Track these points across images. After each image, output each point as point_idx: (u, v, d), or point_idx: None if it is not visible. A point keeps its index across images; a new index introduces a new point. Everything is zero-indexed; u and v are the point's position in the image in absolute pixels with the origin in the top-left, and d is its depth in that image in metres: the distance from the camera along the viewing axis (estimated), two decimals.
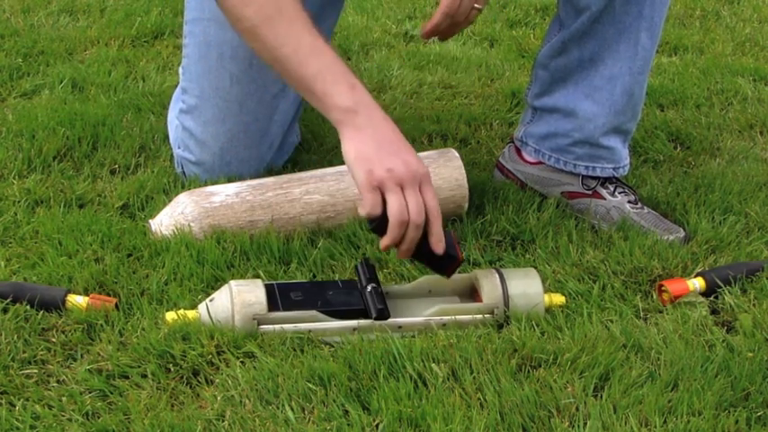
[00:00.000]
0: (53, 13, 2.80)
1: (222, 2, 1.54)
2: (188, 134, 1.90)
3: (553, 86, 1.86)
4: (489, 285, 1.51)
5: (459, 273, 1.56)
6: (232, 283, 1.48)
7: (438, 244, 1.46)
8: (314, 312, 1.47)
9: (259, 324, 1.45)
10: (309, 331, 1.46)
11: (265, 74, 1.82)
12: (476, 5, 1.80)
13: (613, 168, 1.88)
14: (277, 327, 1.45)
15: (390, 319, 1.47)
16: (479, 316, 1.50)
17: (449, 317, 1.49)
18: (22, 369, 1.38)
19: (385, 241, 1.45)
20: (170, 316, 1.47)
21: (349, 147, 1.47)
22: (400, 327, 1.48)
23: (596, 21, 1.77)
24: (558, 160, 1.89)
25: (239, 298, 1.45)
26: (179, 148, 1.92)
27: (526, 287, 1.52)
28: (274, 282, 1.53)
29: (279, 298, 1.48)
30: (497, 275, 1.52)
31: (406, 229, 1.44)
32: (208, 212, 1.69)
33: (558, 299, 1.55)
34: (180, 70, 1.99)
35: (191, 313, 1.47)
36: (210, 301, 1.48)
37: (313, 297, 1.49)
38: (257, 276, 1.59)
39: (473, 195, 1.81)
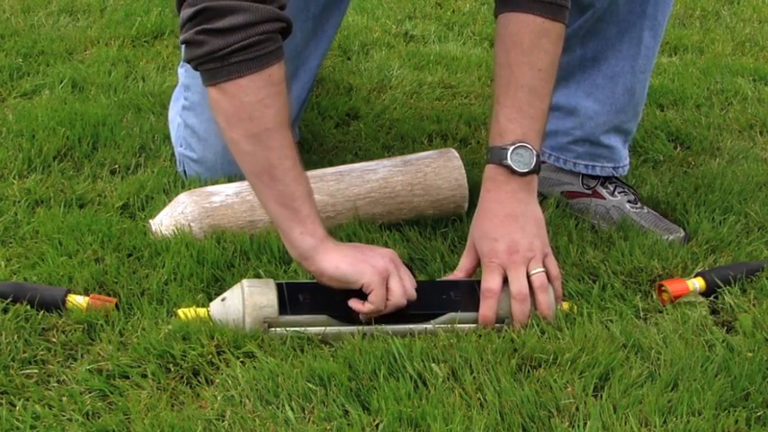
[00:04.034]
0: (53, 13, 2.80)
1: (239, 99, 1.44)
2: (190, 131, 1.90)
3: (555, 85, 1.86)
4: (502, 294, 1.51)
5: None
6: (244, 282, 1.47)
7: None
8: (325, 317, 1.47)
9: (269, 327, 1.45)
10: (319, 335, 1.46)
11: None
12: (533, 271, 1.52)
13: (613, 168, 1.88)
14: (288, 329, 1.45)
15: (399, 326, 1.47)
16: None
17: (459, 326, 1.48)
18: (23, 369, 1.38)
19: (367, 308, 1.46)
20: (182, 313, 1.47)
21: (333, 262, 1.45)
22: (410, 332, 1.47)
23: (600, 19, 1.77)
24: (558, 159, 1.89)
25: (251, 300, 1.45)
26: (181, 146, 1.92)
27: None
28: (284, 281, 1.52)
29: (290, 300, 1.47)
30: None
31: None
32: (208, 212, 1.69)
33: (567, 305, 1.55)
34: (180, 69, 1.98)
35: (202, 311, 1.47)
36: (222, 300, 1.47)
37: (324, 299, 1.48)
38: (258, 276, 1.59)
39: (473, 195, 1.81)
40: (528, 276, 1.50)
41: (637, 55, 1.80)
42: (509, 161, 1.53)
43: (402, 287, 1.47)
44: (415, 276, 1.52)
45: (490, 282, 1.50)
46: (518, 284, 1.50)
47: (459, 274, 1.57)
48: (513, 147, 1.53)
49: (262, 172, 1.46)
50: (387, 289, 1.46)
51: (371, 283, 1.45)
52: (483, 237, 1.54)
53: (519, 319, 1.49)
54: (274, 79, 1.44)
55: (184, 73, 1.94)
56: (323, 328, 1.46)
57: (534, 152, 1.54)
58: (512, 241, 1.51)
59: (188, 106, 1.91)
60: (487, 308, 1.49)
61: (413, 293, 1.48)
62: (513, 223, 1.53)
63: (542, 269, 1.51)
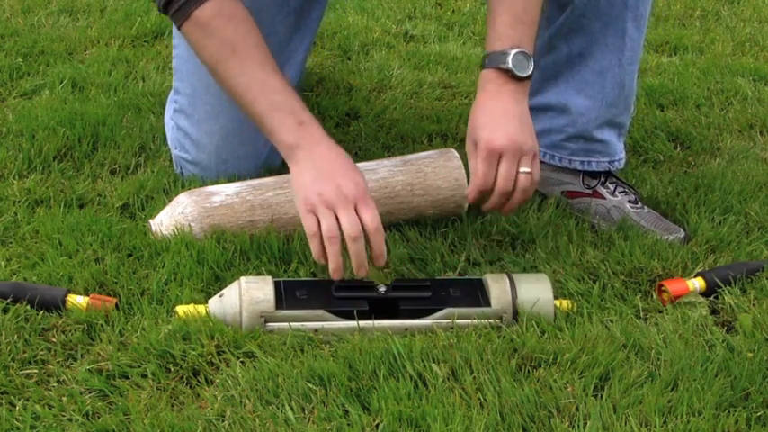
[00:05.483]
0: (53, 13, 2.80)
1: (186, 36, 1.64)
2: (183, 134, 1.90)
3: (544, 85, 1.87)
4: (498, 290, 1.51)
5: (469, 275, 1.58)
6: (242, 279, 1.49)
7: (378, 258, 1.51)
8: (321, 312, 1.47)
9: (266, 321, 1.46)
10: (316, 330, 1.46)
11: None
12: (522, 169, 1.56)
13: (609, 162, 1.88)
14: (284, 324, 1.46)
15: (397, 321, 1.48)
16: (486, 321, 1.50)
17: (457, 321, 1.48)
18: (23, 369, 1.38)
19: (330, 265, 1.48)
20: (181, 309, 1.47)
21: (292, 177, 1.56)
22: (406, 329, 1.48)
23: (582, 15, 1.78)
24: (554, 157, 1.89)
25: (248, 295, 1.46)
26: (176, 148, 1.93)
27: (536, 293, 1.51)
28: (282, 279, 1.53)
29: (287, 295, 1.48)
30: (507, 280, 1.52)
31: (342, 244, 1.49)
32: (208, 212, 1.69)
33: (567, 304, 1.55)
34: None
35: (200, 308, 1.48)
36: (220, 296, 1.48)
37: (321, 296, 1.49)
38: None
39: None
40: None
41: (623, 47, 1.80)
42: (510, 65, 1.58)
43: (329, 223, 1.49)
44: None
45: (486, 172, 1.55)
46: (506, 175, 1.54)
47: (475, 180, 1.58)
48: (513, 51, 1.58)
49: (229, 94, 1.63)
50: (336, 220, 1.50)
51: (299, 210, 1.52)
52: (482, 127, 1.57)
53: (491, 206, 1.57)
54: (201, 22, 1.60)
55: (174, 75, 1.95)
56: (320, 323, 1.46)
57: (531, 58, 1.59)
58: (510, 133, 1.56)
59: (178, 109, 1.92)
60: (477, 198, 1.57)
61: (371, 225, 1.50)
62: (512, 119, 1.57)
63: (530, 170, 1.56)
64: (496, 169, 1.55)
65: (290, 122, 1.57)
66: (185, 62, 1.90)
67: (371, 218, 1.50)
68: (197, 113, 1.88)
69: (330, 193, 1.50)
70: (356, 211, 1.50)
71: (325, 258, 1.49)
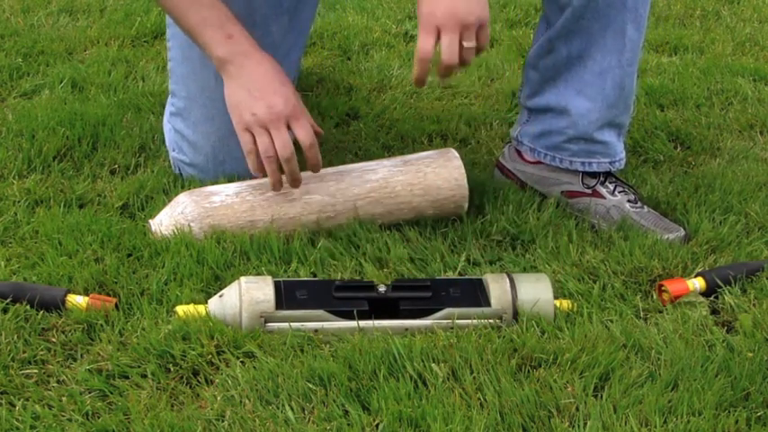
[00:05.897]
0: (53, 13, 2.80)
1: None
2: (180, 136, 1.91)
3: (544, 86, 1.86)
4: (499, 290, 1.51)
5: (469, 275, 1.57)
6: (242, 279, 1.49)
7: (314, 168, 1.68)
8: (321, 312, 1.47)
9: (266, 322, 1.46)
10: (316, 330, 1.46)
11: None
12: (466, 44, 1.57)
13: (609, 162, 1.88)
14: (284, 325, 1.46)
15: (397, 321, 1.48)
16: (486, 321, 1.50)
17: (457, 321, 1.48)
18: (22, 369, 1.38)
19: (270, 181, 1.65)
20: (181, 309, 1.47)
21: (226, 94, 1.65)
22: (407, 329, 1.48)
23: (581, 17, 1.78)
24: (554, 158, 1.89)
25: (248, 295, 1.46)
26: (173, 150, 1.93)
27: (536, 293, 1.51)
28: (282, 279, 1.53)
29: (287, 296, 1.49)
30: (507, 280, 1.52)
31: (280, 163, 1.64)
32: (208, 212, 1.69)
33: (567, 304, 1.54)
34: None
35: (200, 308, 1.48)
36: (220, 296, 1.48)
37: (321, 295, 1.49)
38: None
39: (473, 195, 1.81)
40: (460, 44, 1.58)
41: (622, 49, 1.80)
42: None
43: (264, 143, 1.61)
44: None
45: (424, 42, 1.57)
46: (448, 52, 1.56)
47: (416, 53, 1.60)
48: None
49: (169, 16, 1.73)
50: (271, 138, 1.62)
51: (236, 128, 1.63)
52: None
53: (436, 75, 1.59)
54: None
55: (170, 78, 1.95)
56: (320, 323, 1.46)
57: None
58: (450, 6, 1.57)
59: (175, 112, 1.92)
60: (420, 70, 1.57)
61: (305, 142, 1.62)
62: None
63: (473, 44, 1.57)
64: (437, 42, 1.57)
65: (218, 36, 1.63)
66: (180, 64, 1.90)
67: (304, 134, 1.62)
68: (193, 116, 1.89)
69: (262, 112, 1.60)
70: (290, 126, 1.61)
71: (263, 172, 1.62)
